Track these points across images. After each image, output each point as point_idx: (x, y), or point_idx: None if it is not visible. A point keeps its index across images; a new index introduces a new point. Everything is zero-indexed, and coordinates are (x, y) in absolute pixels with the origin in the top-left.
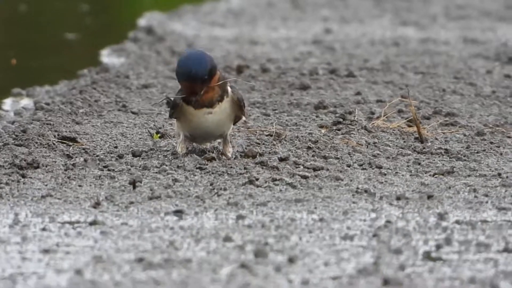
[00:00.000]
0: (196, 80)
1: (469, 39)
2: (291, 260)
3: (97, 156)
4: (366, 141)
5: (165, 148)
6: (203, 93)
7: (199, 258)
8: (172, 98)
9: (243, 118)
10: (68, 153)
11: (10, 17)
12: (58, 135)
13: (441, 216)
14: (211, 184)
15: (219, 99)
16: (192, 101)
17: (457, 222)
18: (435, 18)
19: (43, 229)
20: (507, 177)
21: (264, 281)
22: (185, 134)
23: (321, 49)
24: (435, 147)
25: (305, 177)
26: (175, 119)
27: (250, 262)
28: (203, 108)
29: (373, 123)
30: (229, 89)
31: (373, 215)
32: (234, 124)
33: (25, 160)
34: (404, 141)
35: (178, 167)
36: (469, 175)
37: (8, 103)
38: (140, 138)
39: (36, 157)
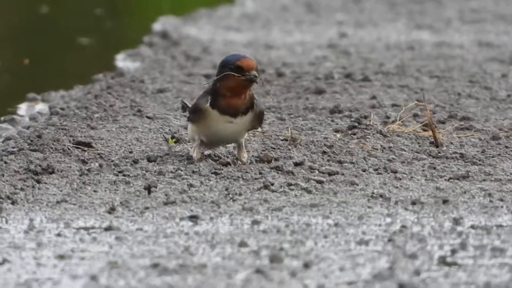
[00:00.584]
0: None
1: (484, 43)
2: (306, 265)
3: (112, 161)
4: (381, 146)
5: (180, 153)
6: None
7: (214, 263)
8: (187, 103)
9: (259, 129)
10: (83, 158)
11: (25, 21)
12: (73, 140)
13: (456, 221)
14: (226, 189)
15: (244, 111)
16: (252, 77)
17: (472, 227)
18: (450, 21)
19: (58, 235)
20: None
21: (279, 286)
22: (200, 139)
23: (336, 53)
24: (450, 152)
25: (320, 182)
26: (191, 124)
27: (265, 267)
28: (226, 116)
29: (388, 128)
30: (255, 102)
31: (388, 220)
32: (247, 131)
33: (40, 166)
34: (419, 146)
35: (193, 172)
36: (484, 180)
37: (23, 108)
38: (155, 143)
39: (51, 162)
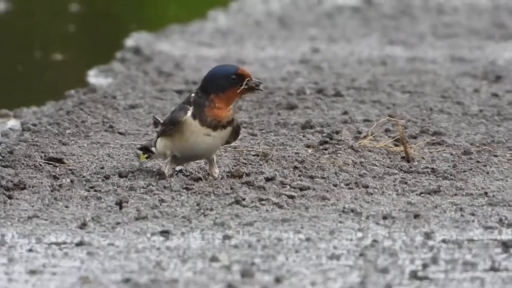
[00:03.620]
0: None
1: (457, 58)
2: (277, 280)
3: (84, 177)
4: (352, 161)
5: (151, 169)
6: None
7: (185, 278)
8: (159, 119)
9: (233, 143)
10: (54, 174)
11: None
12: (44, 156)
13: (428, 235)
14: (198, 205)
15: (225, 125)
16: (249, 82)
17: (444, 241)
18: (423, 37)
19: (30, 250)
20: (493, 196)
21: None
22: (173, 154)
23: (308, 68)
24: (422, 166)
25: (291, 197)
26: (164, 138)
27: (237, 282)
28: (206, 128)
29: (359, 143)
30: (235, 116)
31: (360, 234)
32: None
33: (11, 181)
34: (391, 161)
35: (164, 187)
36: (455, 194)
37: None
38: (127, 159)
39: (22, 178)
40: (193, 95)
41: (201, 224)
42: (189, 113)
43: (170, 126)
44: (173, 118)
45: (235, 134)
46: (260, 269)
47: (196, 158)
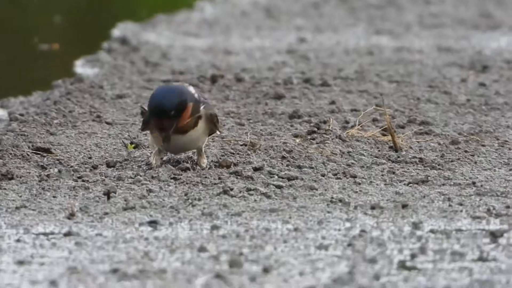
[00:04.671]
0: (163, 116)
1: (443, 48)
2: (266, 270)
3: (72, 167)
4: (340, 151)
5: (139, 159)
6: (173, 129)
7: (174, 268)
8: (146, 108)
9: (218, 132)
10: (42, 164)
11: None
12: (32, 146)
13: (416, 225)
14: (186, 195)
15: (192, 126)
16: (163, 137)
17: (432, 231)
18: (409, 26)
19: (18, 241)
20: (481, 185)
21: None
22: (159, 147)
23: (295, 58)
24: (410, 156)
25: (279, 187)
26: (148, 133)
27: (225, 272)
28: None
29: (347, 132)
30: (202, 110)
31: (348, 224)
32: (208, 136)
33: None
34: (379, 150)
35: (152, 177)
36: (443, 184)
37: None
38: (115, 149)
39: (10, 168)
40: None
41: (189, 214)
42: None
43: (145, 126)
44: (145, 119)
45: (213, 123)
46: (248, 259)
47: (182, 151)
